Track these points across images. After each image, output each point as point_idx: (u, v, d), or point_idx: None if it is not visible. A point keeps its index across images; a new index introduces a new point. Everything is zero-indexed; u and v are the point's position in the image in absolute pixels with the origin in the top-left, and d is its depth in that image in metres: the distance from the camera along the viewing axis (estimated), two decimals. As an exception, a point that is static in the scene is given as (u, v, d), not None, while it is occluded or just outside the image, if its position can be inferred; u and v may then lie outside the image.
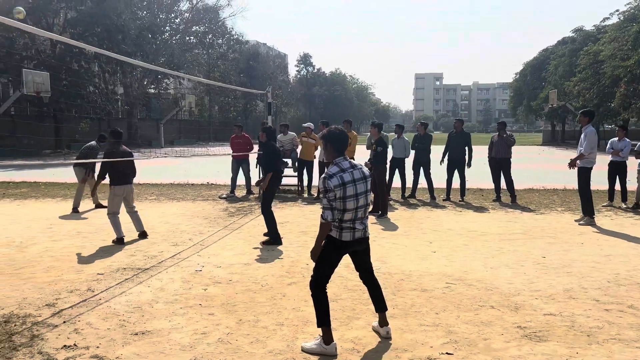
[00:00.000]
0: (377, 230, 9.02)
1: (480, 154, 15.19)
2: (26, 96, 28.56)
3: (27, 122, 36.69)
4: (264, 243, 8.00)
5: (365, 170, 4.32)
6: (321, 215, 4.16)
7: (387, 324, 4.56)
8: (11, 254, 7.40)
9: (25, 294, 5.62)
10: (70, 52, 33.94)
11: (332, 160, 4.26)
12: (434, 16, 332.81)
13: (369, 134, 12.77)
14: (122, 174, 8.17)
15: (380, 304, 4.58)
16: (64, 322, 4.80)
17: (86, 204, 11.96)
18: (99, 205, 11.60)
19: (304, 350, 4.24)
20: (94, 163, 11.35)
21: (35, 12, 33.40)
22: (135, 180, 15.83)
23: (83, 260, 7.08)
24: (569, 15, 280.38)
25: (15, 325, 4.71)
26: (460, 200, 12.27)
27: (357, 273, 4.67)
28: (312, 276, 4.32)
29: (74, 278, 6.20)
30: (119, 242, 8.05)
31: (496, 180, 12.51)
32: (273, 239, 8.01)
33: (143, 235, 8.51)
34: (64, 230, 9.15)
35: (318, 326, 4.27)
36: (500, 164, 12.30)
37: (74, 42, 7.66)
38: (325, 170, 4.27)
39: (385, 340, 4.45)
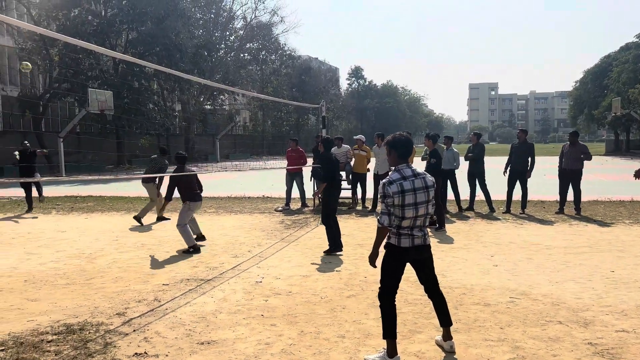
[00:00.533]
0: (436, 243, 8.91)
1: (539, 164, 14.78)
2: (91, 114, 29.88)
3: (91, 138, 38.45)
4: (325, 252, 8.18)
5: (429, 179, 4.27)
6: (378, 220, 4.15)
7: (451, 338, 4.48)
8: (82, 265, 7.74)
9: (97, 303, 5.87)
10: (131, 71, 35.38)
11: (395, 166, 4.26)
12: (487, 26, 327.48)
13: (423, 145, 12.72)
14: (195, 193, 8.91)
15: (445, 318, 4.49)
16: (134, 330, 4.99)
17: (145, 218, 12.37)
18: (161, 218, 11.99)
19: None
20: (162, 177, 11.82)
21: (99, 34, 35.08)
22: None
23: (148, 271, 7.33)
24: (632, 20, 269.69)
25: (89, 332, 4.92)
26: (520, 213, 11.96)
27: (421, 287, 4.64)
28: (379, 288, 4.33)
29: (141, 288, 6.43)
30: (195, 250, 8.46)
31: (563, 192, 12.10)
32: (334, 246, 8.14)
33: (201, 237, 9.19)
34: (130, 242, 9.50)
35: (383, 338, 4.24)
36: (570, 176, 11.91)
37: (135, 60, 8.01)
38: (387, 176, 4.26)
39: (450, 354, 4.38)
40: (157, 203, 11.95)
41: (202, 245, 8.86)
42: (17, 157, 13.77)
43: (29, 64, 11.92)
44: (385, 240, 4.27)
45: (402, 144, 4.25)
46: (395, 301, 4.31)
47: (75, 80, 33.29)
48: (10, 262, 8.02)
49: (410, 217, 4.13)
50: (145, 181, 12.04)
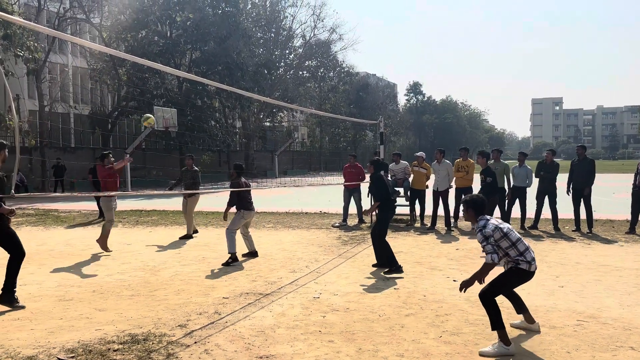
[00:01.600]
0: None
1: (608, 182, 14.14)
2: (156, 131, 31.03)
3: (156, 154, 39.88)
4: (385, 273, 7.94)
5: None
6: (488, 258, 4.79)
7: (533, 321, 5.27)
8: (146, 277, 8.01)
9: (160, 314, 6.05)
10: (194, 90, 36.58)
11: (477, 220, 5.08)
12: (551, 39, 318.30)
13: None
14: (250, 202, 9.19)
15: (522, 305, 5.32)
16: (195, 342, 5.10)
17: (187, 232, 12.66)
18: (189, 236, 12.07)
19: (482, 354, 4.71)
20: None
21: (165, 54, 36.53)
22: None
23: (209, 284, 7.50)
24: None
25: (152, 343, 5.07)
26: (588, 232, 11.46)
27: (483, 308, 4.97)
28: (486, 290, 4.94)
29: (202, 301, 6.58)
30: (234, 259, 8.74)
31: (636, 212, 11.53)
32: (394, 267, 7.95)
33: (253, 254, 9.38)
34: (191, 255, 9.75)
35: (493, 329, 4.85)
36: None
37: (199, 78, 8.30)
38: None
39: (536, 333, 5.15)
40: (189, 218, 12.09)
41: (241, 261, 9.07)
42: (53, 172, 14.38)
43: (151, 118, 12.13)
44: (518, 265, 4.96)
45: (478, 204, 5.15)
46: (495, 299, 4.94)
47: (141, 99, 34.75)
48: (79, 273, 8.39)
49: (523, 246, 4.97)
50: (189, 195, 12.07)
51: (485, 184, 10.08)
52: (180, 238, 11.76)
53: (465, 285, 4.90)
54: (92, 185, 13.93)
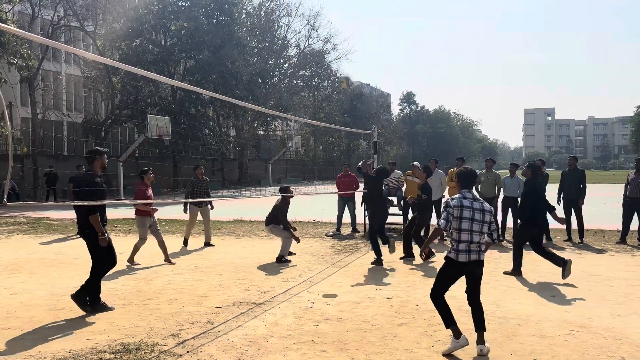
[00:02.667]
0: (490, 272, 8.70)
1: (599, 192, 14.24)
2: (149, 139, 30.98)
3: (149, 163, 39.72)
4: (373, 263, 9.41)
5: (487, 206, 5.20)
6: (438, 223, 5.26)
7: (483, 342, 5.04)
8: (138, 286, 7.98)
9: (152, 323, 6.03)
10: (188, 98, 36.58)
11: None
12: (543, 50, 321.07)
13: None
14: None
15: (480, 324, 5.15)
16: (187, 352, 5.09)
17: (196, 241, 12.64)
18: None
19: (444, 354, 4.99)
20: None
21: (159, 62, 36.56)
22: (247, 217, 16.41)
23: (202, 293, 7.48)
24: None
25: (145, 352, 5.06)
26: (579, 242, 11.53)
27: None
28: (432, 289, 5.24)
29: (194, 310, 6.57)
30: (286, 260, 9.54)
31: (627, 222, 11.62)
32: (377, 258, 9.43)
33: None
34: (184, 264, 9.73)
35: (446, 327, 5.09)
36: (636, 204, 11.43)
37: (193, 87, 8.32)
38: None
39: (480, 357, 4.92)
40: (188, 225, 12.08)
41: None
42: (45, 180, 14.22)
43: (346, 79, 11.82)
44: (449, 255, 5.18)
45: (464, 175, 5.33)
46: (444, 297, 5.18)
47: (135, 107, 34.71)
48: (71, 282, 8.34)
49: (467, 230, 5.04)
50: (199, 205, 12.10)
51: (420, 199, 10.20)
52: (206, 245, 11.94)
53: (422, 251, 5.95)
54: (72, 195, 13.28)
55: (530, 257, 9.97)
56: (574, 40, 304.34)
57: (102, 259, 6.62)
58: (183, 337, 5.53)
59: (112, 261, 6.75)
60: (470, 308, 5.24)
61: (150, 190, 9.78)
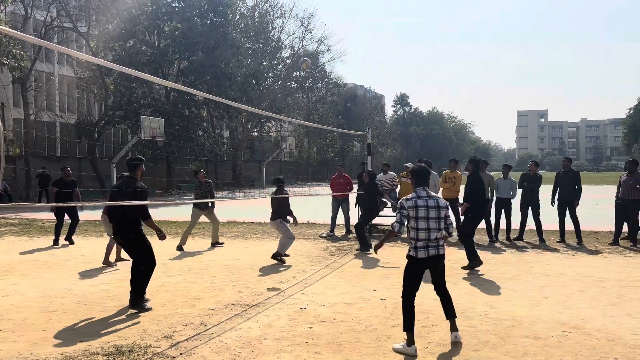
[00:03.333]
0: (484, 273, 8.73)
1: (592, 194, 14.31)
2: (143, 140, 30.87)
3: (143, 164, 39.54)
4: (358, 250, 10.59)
5: (442, 201, 5.32)
6: (391, 225, 5.26)
7: (456, 330, 5.30)
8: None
9: (145, 325, 6.00)
10: (182, 99, 36.50)
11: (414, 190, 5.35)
12: (535, 52, 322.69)
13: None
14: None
15: (449, 311, 5.39)
16: (181, 354, 5.07)
17: (193, 243, 12.60)
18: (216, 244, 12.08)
19: (394, 350, 5.09)
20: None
21: (152, 63, 36.45)
22: (241, 219, 16.33)
23: (195, 295, 7.46)
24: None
25: (137, 354, 5.03)
26: (578, 243, 11.57)
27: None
28: (403, 290, 5.32)
29: (187, 312, 6.54)
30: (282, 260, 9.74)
31: (619, 223, 11.68)
32: (363, 246, 10.48)
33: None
34: (177, 266, 9.70)
35: (403, 330, 5.17)
36: (628, 206, 11.49)
37: (186, 88, 8.32)
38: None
39: (455, 344, 5.19)
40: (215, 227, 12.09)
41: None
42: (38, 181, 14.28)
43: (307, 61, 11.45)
44: (409, 253, 5.33)
45: (417, 172, 5.41)
46: (414, 301, 5.25)
47: (128, 108, 34.57)
48: (64, 283, 8.31)
49: (424, 229, 5.17)
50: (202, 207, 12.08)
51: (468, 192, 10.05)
52: (213, 245, 11.98)
53: (377, 247, 5.65)
54: (54, 196, 12.81)
55: (524, 259, 10.01)
56: (567, 42, 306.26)
57: (149, 257, 6.97)
58: (176, 339, 5.51)
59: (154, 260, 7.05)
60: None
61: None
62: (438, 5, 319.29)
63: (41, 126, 40.21)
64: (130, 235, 6.87)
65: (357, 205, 14.14)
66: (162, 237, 7.14)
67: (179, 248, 11.51)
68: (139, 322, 6.10)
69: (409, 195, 5.29)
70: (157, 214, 20.21)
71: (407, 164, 13.72)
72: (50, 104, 41.78)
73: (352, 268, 9.31)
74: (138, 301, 6.66)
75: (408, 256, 5.34)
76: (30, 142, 33.76)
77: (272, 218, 10.11)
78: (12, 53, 27.92)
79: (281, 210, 10.05)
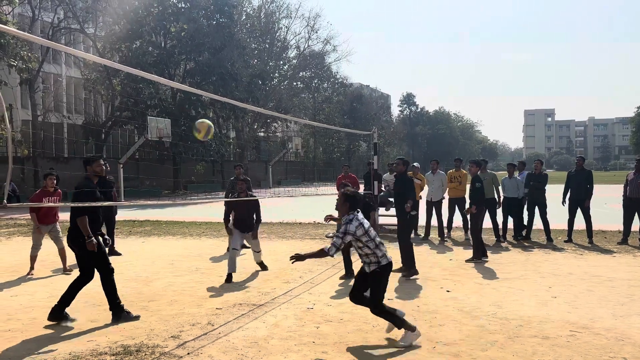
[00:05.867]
0: (491, 273, 8.69)
1: (600, 192, 14.22)
2: (149, 141, 30.95)
3: (149, 165, 39.76)
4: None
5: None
6: (328, 250, 5.17)
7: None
8: (139, 288, 7.97)
9: (153, 325, 6.01)
10: (188, 100, 36.60)
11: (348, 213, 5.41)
12: (543, 51, 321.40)
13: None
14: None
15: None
16: (188, 353, 5.07)
17: (201, 242, 12.61)
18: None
19: (400, 346, 5.20)
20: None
21: (159, 64, 36.56)
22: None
23: (202, 295, 7.47)
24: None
25: (145, 354, 5.04)
26: (589, 243, 11.50)
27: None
28: (374, 306, 5.37)
29: (195, 312, 6.55)
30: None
31: (627, 222, 11.60)
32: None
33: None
34: (184, 266, 9.71)
35: (399, 328, 5.32)
36: (636, 205, 11.42)
37: (192, 89, 8.32)
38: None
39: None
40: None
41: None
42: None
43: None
44: (381, 264, 5.40)
45: (351, 198, 5.46)
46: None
47: (135, 109, 34.71)
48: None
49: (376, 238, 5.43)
50: None
51: (473, 191, 10.00)
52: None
53: (296, 258, 5.29)
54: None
55: (532, 258, 9.97)
56: (575, 40, 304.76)
57: (102, 267, 6.23)
58: (184, 338, 5.51)
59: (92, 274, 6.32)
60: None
61: (51, 198, 9.07)
62: (446, 4, 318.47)
63: (49, 127, 40.44)
64: (79, 240, 6.14)
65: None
66: (89, 243, 6.06)
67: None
68: (146, 322, 6.12)
69: (350, 221, 5.30)
70: (164, 214, 20.30)
71: (415, 164, 13.69)
72: (57, 105, 42.02)
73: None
74: (118, 313, 6.22)
75: (380, 267, 5.38)
76: (38, 143, 33.97)
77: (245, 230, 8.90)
78: (20, 55, 28.11)
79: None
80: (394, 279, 8.21)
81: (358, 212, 5.46)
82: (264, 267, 9.19)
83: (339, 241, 5.26)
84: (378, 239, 5.43)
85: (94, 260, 6.22)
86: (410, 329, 5.27)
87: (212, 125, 6.81)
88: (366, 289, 5.54)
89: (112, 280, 6.30)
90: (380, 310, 5.37)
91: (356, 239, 5.31)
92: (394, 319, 5.33)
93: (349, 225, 5.28)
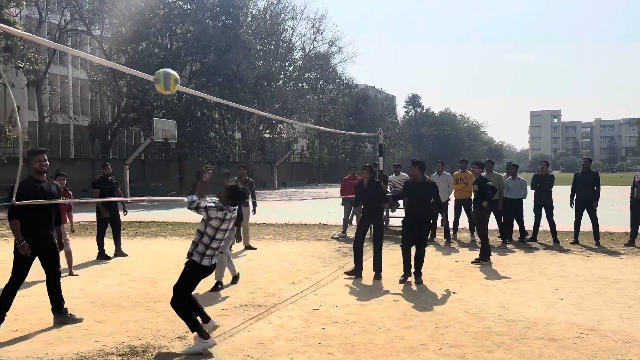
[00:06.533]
0: (497, 275, 8.67)
1: (607, 194, 14.17)
2: (155, 142, 31.07)
3: (155, 166, 39.87)
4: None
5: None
6: (189, 198, 5.40)
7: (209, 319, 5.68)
8: (145, 288, 7.99)
9: (159, 326, 6.03)
10: (194, 101, 36.69)
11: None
12: (549, 52, 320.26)
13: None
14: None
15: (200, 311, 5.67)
16: (194, 354, 5.08)
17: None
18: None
19: (190, 353, 5.04)
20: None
21: (165, 65, 36.64)
22: (252, 220, 16.37)
23: (208, 296, 7.47)
24: None
25: (152, 355, 5.06)
26: (595, 245, 11.45)
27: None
28: (173, 297, 5.39)
29: (201, 313, 6.55)
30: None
31: (635, 224, 11.56)
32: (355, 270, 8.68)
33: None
34: (190, 267, 9.71)
35: (192, 331, 5.21)
36: None
37: (197, 92, 8.33)
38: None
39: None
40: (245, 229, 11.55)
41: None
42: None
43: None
44: (199, 262, 5.36)
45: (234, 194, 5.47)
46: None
47: (141, 110, 34.82)
48: (78, 284, 8.37)
49: (220, 239, 5.42)
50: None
51: (478, 193, 9.98)
52: (246, 248, 11.51)
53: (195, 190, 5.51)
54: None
55: (538, 260, 9.93)
56: (581, 41, 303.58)
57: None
58: (190, 339, 5.52)
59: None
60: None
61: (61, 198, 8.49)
62: (451, 5, 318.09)
63: (55, 128, 40.66)
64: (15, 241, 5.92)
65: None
66: (21, 247, 5.90)
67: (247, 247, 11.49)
68: (152, 323, 6.14)
69: (219, 214, 5.32)
70: (170, 215, 20.33)
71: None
72: (64, 107, 42.22)
73: (365, 269, 9.25)
74: (63, 317, 6.14)
75: (191, 261, 5.40)
76: (45, 144, 34.12)
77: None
78: (27, 56, 28.26)
79: None
80: (395, 281, 8.20)
81: (234, 210, 5.46)
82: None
83: (199, 201, 5.35)
84: (222, 247, 5.45)
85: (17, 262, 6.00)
86: (204, 336, 5.14)
87: (171, 71, 6.04)
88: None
89: (15, 289, 6.03)
90: (175, 307, 5.33)
91: (207, 219, 5.33)
92: (188, 320, 5.24)
93: (214, 209, 5.31)
